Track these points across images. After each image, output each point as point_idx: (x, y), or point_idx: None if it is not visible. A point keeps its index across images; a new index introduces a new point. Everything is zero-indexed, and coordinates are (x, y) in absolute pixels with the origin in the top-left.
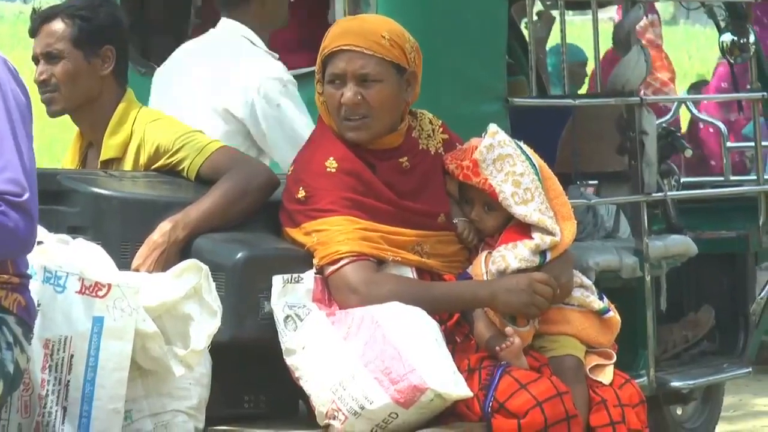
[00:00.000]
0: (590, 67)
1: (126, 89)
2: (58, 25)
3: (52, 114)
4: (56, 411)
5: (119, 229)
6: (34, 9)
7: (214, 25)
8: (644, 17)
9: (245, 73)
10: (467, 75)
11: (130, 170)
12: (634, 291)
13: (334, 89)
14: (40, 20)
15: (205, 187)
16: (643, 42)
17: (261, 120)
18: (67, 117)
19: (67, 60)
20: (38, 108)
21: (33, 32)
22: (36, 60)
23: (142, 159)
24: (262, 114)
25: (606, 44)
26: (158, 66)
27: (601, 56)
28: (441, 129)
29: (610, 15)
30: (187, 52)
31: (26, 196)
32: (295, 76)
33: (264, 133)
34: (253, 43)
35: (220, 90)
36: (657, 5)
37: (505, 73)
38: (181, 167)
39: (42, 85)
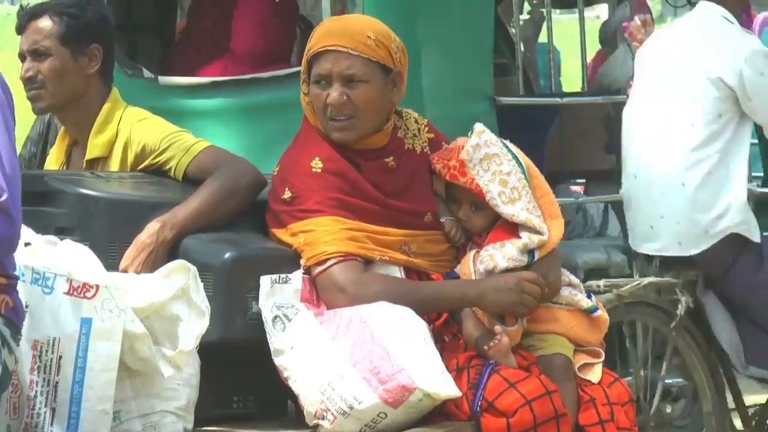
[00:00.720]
0: (571, 65)
1: (112, 88)
2: (45, 23)
3: (38, 111)
4: (45, 412)
5: (107, 229)
6: (21, 6)
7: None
8: (637, 17)
9: (733, 46)
10: (454, 74)
11: (116, 170)
12: None
13: (320, 90)
14: (27, 17)
15: (192, 187)
16: (635, 43)
17: (747, 87)
18: None
19: (54, 57)
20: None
21: (20, 29)
22: (22, 57)
23: (129, 158)
24: (748, 81)
25: (593, 42)
26: (145, 67)
27: (593, 56)
28: (426, 128)
29: (597, 13)
30: (678, 30)
31: (4, 197)
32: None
33: (749, 98)
34: (731, 22)
35: (713, 61)
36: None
37: (491, 72)
38: (167, 167)
39: (28, 82)
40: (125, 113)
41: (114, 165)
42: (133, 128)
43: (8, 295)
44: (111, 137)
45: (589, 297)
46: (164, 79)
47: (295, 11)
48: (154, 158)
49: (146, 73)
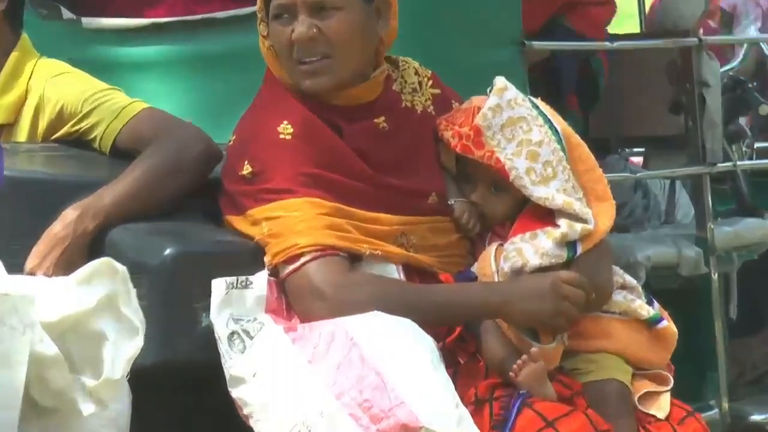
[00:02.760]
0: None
1: (20, 35)
2: None
3: None
4: None
5: (9, 219)
6: None
7: None
8: None
9: None
10: (475, 15)
11: (25, 140)
12: (697, 293)
13: (282, 25)
14: None
15: (123, 163)
16: None
17: None
18: None
19: None
20: None
21: None
22: None
23: (42, 125)
24: None
25: None
26: (63, 6)
27: None
28: (430, 81)
29: None
30: None
31: None
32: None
33: None
34: None
35: None
36: None
37: (520, 13)
38: (92, 136)
39: None
40: (37, 66)
41: (22, 134)
42: (47, 86)
43: None
44: (19, 97)
45: (650, 303)
46: (89, 22)
47: None
48: (74, 124)
49: (66, 14)
